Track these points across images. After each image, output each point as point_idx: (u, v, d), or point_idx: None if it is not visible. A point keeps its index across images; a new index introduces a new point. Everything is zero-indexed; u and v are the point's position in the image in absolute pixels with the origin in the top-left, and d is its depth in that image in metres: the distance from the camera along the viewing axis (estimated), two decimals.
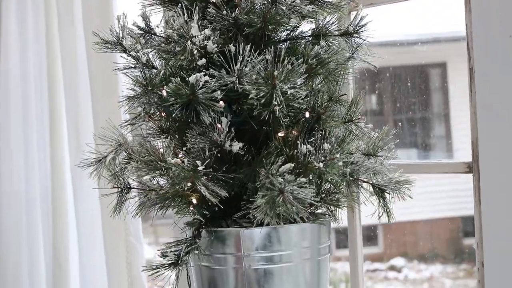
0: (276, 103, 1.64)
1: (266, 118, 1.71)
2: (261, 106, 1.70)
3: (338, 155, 1.75)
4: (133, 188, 1.94)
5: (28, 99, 3.13)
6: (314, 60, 1.77)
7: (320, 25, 1.93)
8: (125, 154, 2.00)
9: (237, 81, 1.71)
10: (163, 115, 1.93)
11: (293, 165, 1.70)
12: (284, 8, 1.75)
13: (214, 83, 1.72)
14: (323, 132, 1.83)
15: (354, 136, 1.96)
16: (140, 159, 1.79)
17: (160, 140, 1.98)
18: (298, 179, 1.64)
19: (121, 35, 1.86)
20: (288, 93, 1.66)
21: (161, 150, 1.84)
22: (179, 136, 1.96)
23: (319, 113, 1.87)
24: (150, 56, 1.90)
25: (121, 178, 1.92)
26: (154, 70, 1.88)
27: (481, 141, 2.10)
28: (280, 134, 1.88)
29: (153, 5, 1.96)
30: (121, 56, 1.86)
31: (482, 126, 2.09)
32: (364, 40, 1.98)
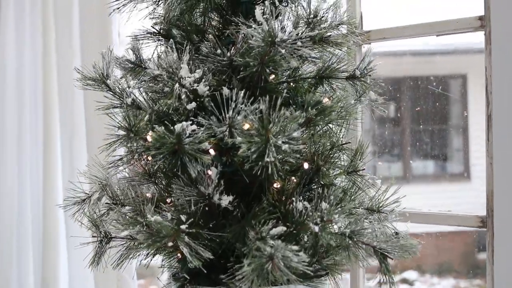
0: (268, 159, 1.48)
1: (258, 173, 1.54)
2: (253, 161, 1.54)
3: (336, 216, 1.58)
4: (113, 238, 1.78)
5: (23, 118, 3.01)
6: (314, 110, 1.60)
7: (324, 67, 1.77)
8: (108, 198, 1.85)
9: (227, 132, 1.54)
10: (149, 159, 1.78)
11: (285, 228, 1.53)
12: (283, 51, 1.58)
13: (202, 133, 1.55)
14: (322, 189, 1.66)
15: (357, 189, 1.79)
16: (118, 211, 1.63)
17: (146, 186, 1.83)
18: (289, 246, 1.47)
19: (105, 72, 1.71)
20: (283, 148, 1.49)
21: (146, 197, 1.69)
22: (166, 182, 1.81)
23: (318, 164, 1.70)
24: (137, 94, 1.74)
25: (101, 227, 1.76)
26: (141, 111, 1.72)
27: (497, 195, 1.92)
28: (275, 186, 1.72)
29: (143, 39, 1.80)
30: (105, 96, 1.70)
31: (499, 179, 1.92)
32: (373, 82, 1.81)
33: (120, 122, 1.65)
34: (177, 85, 1.60)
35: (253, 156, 1.50)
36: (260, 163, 1.52)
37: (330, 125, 1.78)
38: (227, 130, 1.56)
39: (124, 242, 1.74)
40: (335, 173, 1.75)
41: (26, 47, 3.03)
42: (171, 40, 1.75)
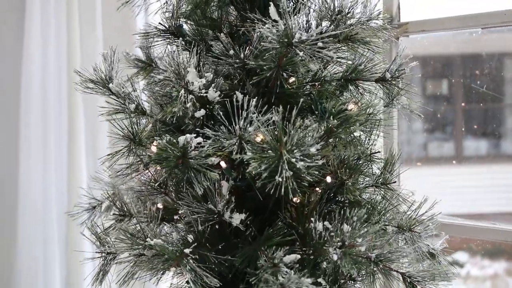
0: (280, 179, 1.30)
1: (271, 192, 1.36)
2: (265, 178, 1.36)
3: (360, 240, 1.40)
4: (124, 251, 1.64)
5: (47, 111, 2.91)
6: (335, 120, 1.41)
7: (351, 68, 1.58)
8: (115, 209, 1.72)
9: (236, 146, 1.37)
10: (158, 168, 1.63)
11: (299, 257, 1.36)
12: (301, 53, 1.39)
13: (209, 146, 1.39)
14: (345, 207, 1.48)
15: (387, 204, 1.61)
16: (120, 228, 1.49)
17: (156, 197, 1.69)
18: (303, 279, 1.30)
19: (108, 75, 1.55)
20: (298, 165, 1.31)
21: (152, 212, 1.55)
22: (175, 192, 1.65)
23: (342, 178, 1.52)
24: (144, 98, 1.58)
25: (105, 243, 1.62)
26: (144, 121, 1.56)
27: None
28: (294, 200, 1.55)
29: (151, 37, 1.64)
30: (106, 101, 1.55)
31: None
32: (405, 86, 1.61)
33: (122, 130, 1.50)
34: (182, 91, 1.43)
35: (264, 174, 1.33)
36: (272, 181, 1.35)
37: (357, 132, 1.60)
38: (237, 143, 1.39)
39: (131, 259, 1.60)
40: (361, 187, 1.56)
41: (51, 42, 2.92)
42: (180, 39, 1.58)
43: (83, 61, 2.81)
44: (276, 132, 1.33)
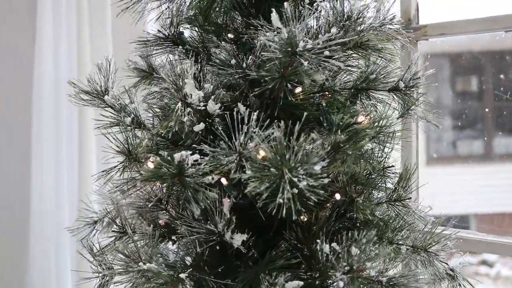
0: (281, 200, 1.20)
1: (273, 213, 1.27)
2: (266, 197, 1.27)
3: (369, 264, 1.30)
4: (117, 274, 1.55)
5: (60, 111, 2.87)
6: (343, 135, 1.31)
7: (362, 77, 1.47)
8: (115, 226, 1.64)
9: (235, 163, 1.28)
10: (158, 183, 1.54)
11: (301, 283, 1.26)
12: (305, 63, 1.29)
13: (206, 164, 1.30)
14: (354, 227, 1.38)
15: (401, 222, 1.50)
16: (115, 249, 1.41)
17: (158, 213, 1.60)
18: None
19: (103, 86, 1.47)
20: (300, 185, 1.21)
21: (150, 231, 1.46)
22: (176, 209, 1.57)
23: (352, 196, 1.42)
24: (142, 111, 1.50)
25: (102, 263, 1.54)
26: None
27: None
28: (301, 218, 1.45)
29: (150, 46, 1.55)
30: (101, 114, 1.47)
31: None
32: (421, 96, 1.50)
33: (118, 145, 1.42)
34: (179, 104, 1.34)
35: (263, 195, 1.23)
36: (273, 202, 1.25)
37: (370, 145, 1.50)
38: (236, 160, 1.29)
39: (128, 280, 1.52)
40: (373, 204, 1.46)
41: (63, 43, 2.88)
42: (180, 47, 1.49)
43: (94, 61, 2.76)
44: (276, 149, 1.23)
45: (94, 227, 1.76)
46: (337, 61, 1.33)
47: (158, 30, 1.54)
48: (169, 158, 1.28)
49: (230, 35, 1.59)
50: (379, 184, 1.49)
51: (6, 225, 3.00)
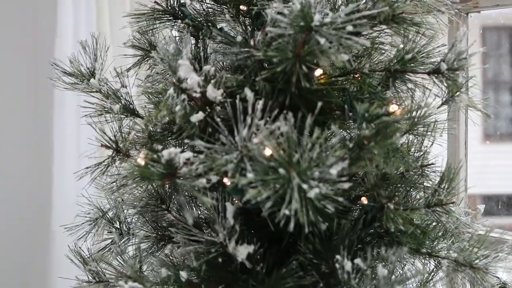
0: (288, 212, 0.97)
1: (281, 225, 1.03)
2: (272, 206, 1.04)
3: (398, 287, 1.06)
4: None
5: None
6: (369, 131, 1.07)
7: (395, 57, 1.22)
8: (112, 228, 1.43)
9: (234, 163, 1.05)
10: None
11: None
12: (322, 40, 1.05)
13: (199, 163, 1.07)
14: (384, 240, 1.14)
15: (441, 229, 1.25)
16: (102, 259, 1.20)
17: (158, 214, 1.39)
18: None
19: (90, 68, 1.25)
20: (311, 194, 0.97)
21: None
22: (177, 210, 1.35)
23: (381, 202, 1.18)
24: (133, 93, 1.28)
25: (91, 271, 1.33)
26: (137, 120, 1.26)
27: None
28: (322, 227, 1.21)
29: (145, 20, 1.32)
30: (85, 101, 1.25)
31: None
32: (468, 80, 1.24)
33: (103, 136, 1.20)
34: (171, 90, 1.11)
35: (267, 204, 1.00)
36: (278, 211, 1.02)
37: (404, 138, 1.25)
38: (237, 159, 1.06)
39: None
40: (408, 211, 1.21)
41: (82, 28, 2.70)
42: (181, 19, 1.27)
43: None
44: (283, 147, 1.00)
45: (95, 224, 1.57)
46: (363, 39, 1.08)
47: (155, 1, 1.31)
48: (154, 156, 1.06)
49: (242, 7, 1.35)
50: (416, 186, 1.24)
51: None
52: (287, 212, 0.98)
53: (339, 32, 1.06)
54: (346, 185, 1.02)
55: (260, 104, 1.07)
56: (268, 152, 1.05)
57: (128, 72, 1.30)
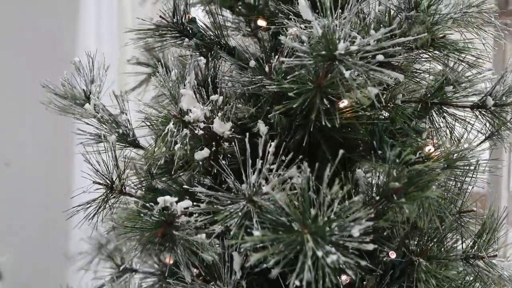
0: (299, 283, 0.82)
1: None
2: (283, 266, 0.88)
3: None
4: None
5: None
6: (399, 181, 0.90)
7: (433, 88, 1.05)
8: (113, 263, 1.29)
9: (239, 216, 0.90)
10: None
11: None
12: (347, 73, 0.88)
13: (197, 217, 0.92)
14: None
15: (480, 284, 1.09)
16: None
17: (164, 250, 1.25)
18: None
19: (84, 88, 1.10)
20: (327, 260, 0.82)
21: None
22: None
23: (412, 258, 1.02)
24: (131, 119, 1.13)
25: None
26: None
27: None
28: (343, 279, 1.06)
29: (149, 37, 1.17)
30: (78, 129, 1.11)
31: None
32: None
33: (96, 170, 1.06)
34: (171, 124, 0.96)
35: (274, 270, 0.85)
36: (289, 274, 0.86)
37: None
38: (244, 210, 0.91)
39: None
40: (442, 265, 1.05)
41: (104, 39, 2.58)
42: (186, 37, 1.11)
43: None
44: (297, 202, 0.84)
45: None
46: (395, 71, 0.92)
47: (160, 16, 1.14)
48: (147, 205, 0.91)
49: (261, 21, 1.18)
50: (452, 236, 1.07)
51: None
52: (297, 283, 0.82)
53: (365, 63, 0.89)
54: (371, 247, 0.86)
55: (272, 147, 0.91)
56: (281, 197, 0.89)
57: (133, 91, 1.15)
